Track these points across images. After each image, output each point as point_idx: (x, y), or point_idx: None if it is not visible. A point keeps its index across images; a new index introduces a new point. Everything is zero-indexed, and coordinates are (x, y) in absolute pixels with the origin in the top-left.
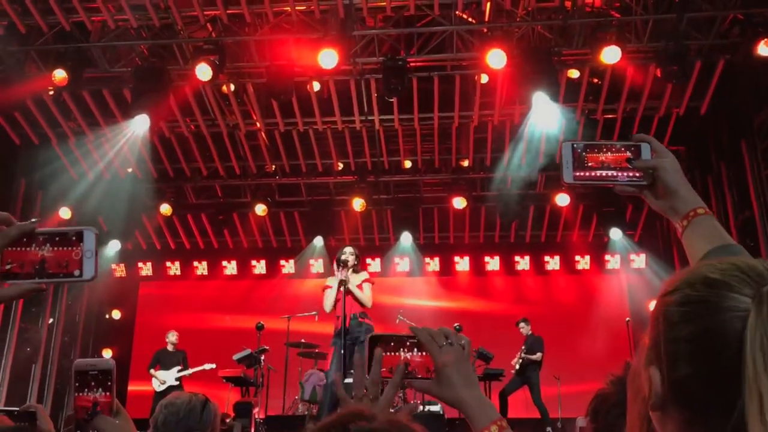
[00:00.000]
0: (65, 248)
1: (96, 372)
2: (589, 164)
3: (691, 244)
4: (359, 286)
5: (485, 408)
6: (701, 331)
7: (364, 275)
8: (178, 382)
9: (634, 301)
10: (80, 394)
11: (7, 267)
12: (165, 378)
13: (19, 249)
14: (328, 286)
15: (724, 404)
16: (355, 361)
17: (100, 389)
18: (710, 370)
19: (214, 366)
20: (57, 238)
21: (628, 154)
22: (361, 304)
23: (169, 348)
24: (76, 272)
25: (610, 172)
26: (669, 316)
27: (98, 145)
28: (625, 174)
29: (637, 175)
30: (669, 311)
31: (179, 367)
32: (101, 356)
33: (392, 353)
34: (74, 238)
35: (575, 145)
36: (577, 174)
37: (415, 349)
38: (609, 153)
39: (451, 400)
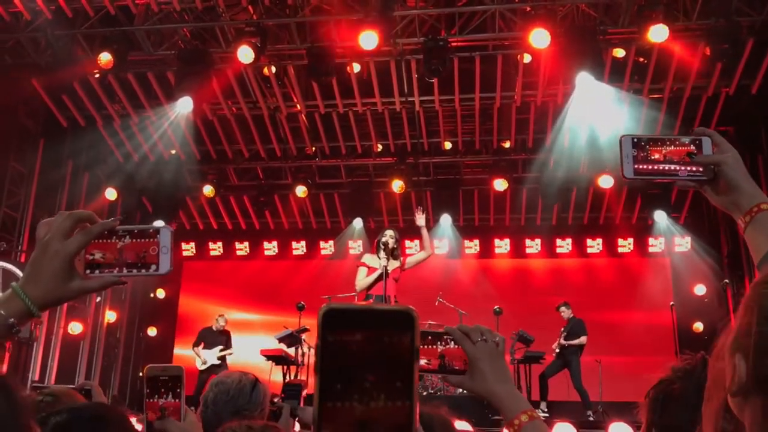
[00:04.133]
0: (143, 244)
1: (166, 378)
2: (650, 158)
3: (754, 240)
4: (405, 258)
5: (517, 400)
6: None
7: (401, 260)
8: (220, 362)
9: (679, 285)
10: (151, 399)
11: (90, 258)
12: (207, 357)
13: (101, 242)
14: (365, 265)
15: None
16: None
17: (170, 394)
18: None
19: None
20: (136, 234)
21: (690, 148)
22: (425, 258)
23: (214, 328)
24: (153, 267)
25: (670, 167)
26: (764, 308)
27: (143, 127)
28: (686, 169)
29: (699, 170)
30: (765, 304)
31: (221, 347)
32: (146, 334)
33: (429, 346)
34: (151, 234)
35: (635, 139)
36: (638, 168)
37: (452, 343)
38: (669, 147)
39: (483, 393)
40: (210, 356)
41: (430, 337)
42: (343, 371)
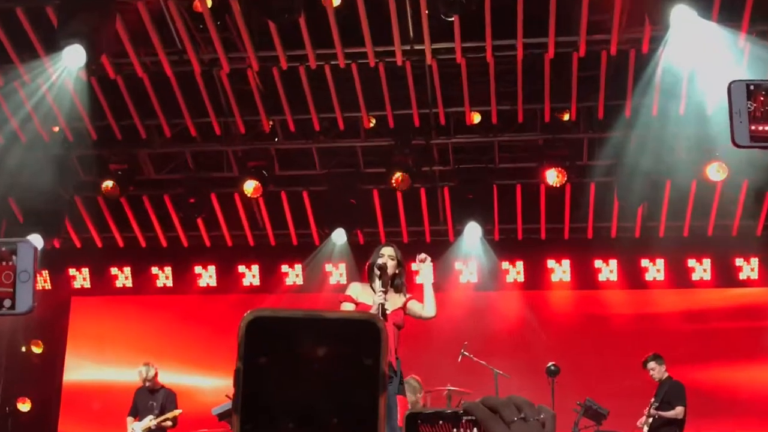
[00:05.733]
0: None
1: None
2: None
3: None
4: (408, 300)
5: None
6: None
7: (408, 297)
8: None
9: None
10: None
11: None
12: (136, 430)
13: None
14: (352, 300)
15: None
16: None
17: None
18: None
19: (179, 412)
20: None
21: None
22: (425, 318)
23: (146, 386)
24: (7, 302)
25: None
26: None
27: (9, 92)
28: None
29: None
30: None
31: (152, 416)
32: (16, 408)
33: None
34: (4, 255)
35: (752, 86)
36: (756, 130)
37: (476, 428)
38: None
39: None
40: (138, 429)
41: (441, 422)
42: (277, 409)
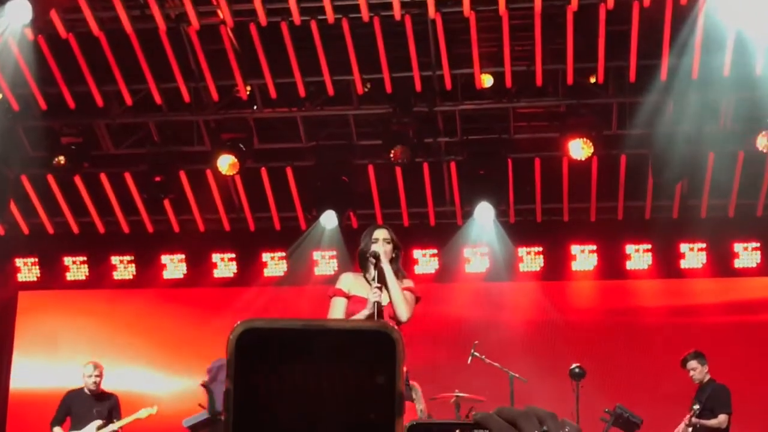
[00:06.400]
0: None
1: None
2: None
3: None
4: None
5: None
6: None
7: (406, 284)
8: None
9: None
10: None
11: None
12: None
13: None
14: (343, 294)
15: None
16: None
17: None
18: None
19: (154, 410)
20: None
21: None
22: (395, 315)
23: (86, 389)
24: None
25: None
26: None
27: None
28: None
29: None
30: None
31: (100, 422)
32: None
33: None
34: None
35: None
36: None
37: None
38: None
39: None
40: None
41: None
42: None
